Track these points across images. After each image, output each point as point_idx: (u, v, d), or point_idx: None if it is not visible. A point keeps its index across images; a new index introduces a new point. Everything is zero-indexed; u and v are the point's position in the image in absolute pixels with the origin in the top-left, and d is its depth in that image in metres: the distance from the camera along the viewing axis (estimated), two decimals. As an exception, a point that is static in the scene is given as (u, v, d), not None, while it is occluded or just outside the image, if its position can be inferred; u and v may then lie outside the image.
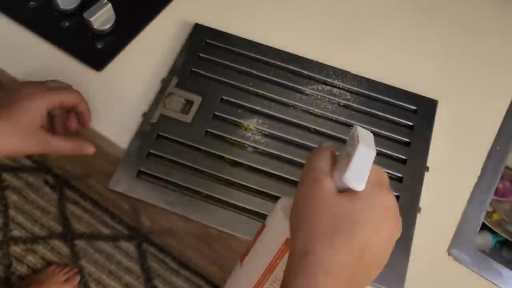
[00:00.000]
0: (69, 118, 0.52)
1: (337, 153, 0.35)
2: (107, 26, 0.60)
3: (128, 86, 0.58)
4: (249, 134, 0.55)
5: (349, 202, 0.31)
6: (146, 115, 0.55)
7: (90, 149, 0.51)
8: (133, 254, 1.28)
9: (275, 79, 0.59)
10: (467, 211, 0.53)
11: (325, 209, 0.31)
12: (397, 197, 0.52)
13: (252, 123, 0.56)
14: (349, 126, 0.56)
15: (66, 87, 0.52)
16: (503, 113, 0.60)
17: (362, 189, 0.31)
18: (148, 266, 1.27)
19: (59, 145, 0.49)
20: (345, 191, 0.31)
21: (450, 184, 0.55)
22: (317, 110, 0.57)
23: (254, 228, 0.49)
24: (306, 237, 0.31)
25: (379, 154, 0.55)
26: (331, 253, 0.30)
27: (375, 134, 0.56)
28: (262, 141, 0.55)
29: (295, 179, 0.52)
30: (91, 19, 0.58)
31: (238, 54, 0.60)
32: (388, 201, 0.32)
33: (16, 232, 1.29)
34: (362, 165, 0.31)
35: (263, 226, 0.37)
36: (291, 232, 0.33)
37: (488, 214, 0.72)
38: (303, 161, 0.53)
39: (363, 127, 0.34)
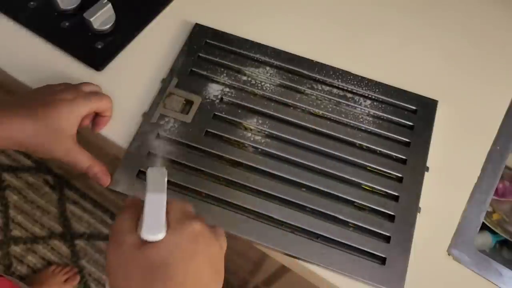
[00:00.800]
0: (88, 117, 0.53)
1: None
2: (107, 26, 0.60)
3: (128, 86, 0.58)
4: (249, 134, 0.55)
5: (155, 249, 0.31)
6: (146, 115, 0.55)
7: (105, 181, 0.50)
8: (133, 254, 1.28)
9: (275, 79, 0.59)
10: (467, 211, 0.53)
11: (134, 266, 0.31)
12: (397, 197, 0.52)
13: (252, 123, 0.56)
14: (349, 126, 0.56)
15: (98, 92, 0.53)
16: (503, 113, 0.60)
17: (162, 238, 0.32)
18: (148, 266, 1.27)
19: (79, 158, 0.48)
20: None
21: (450, 184, 0.55)
22: (317, 110, 0.57)
23: (253, 228, 0.49)
24: None
25: (379, 154, 0.55)
26: None
27: (375, 134, 0.57)
28: (262, 141, 0.55)
29: (295, 179, 0.52)
30: (91, 19, 0.58)
31: (238, 54, 0.60)
32: (194, 228, 0.33)
33: (16, 232, 1.29)
34: (155, 214, 0.32)
35: None
36: None
37: (488, 214, 0.72)
38: (303, 161, 0.53)
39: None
